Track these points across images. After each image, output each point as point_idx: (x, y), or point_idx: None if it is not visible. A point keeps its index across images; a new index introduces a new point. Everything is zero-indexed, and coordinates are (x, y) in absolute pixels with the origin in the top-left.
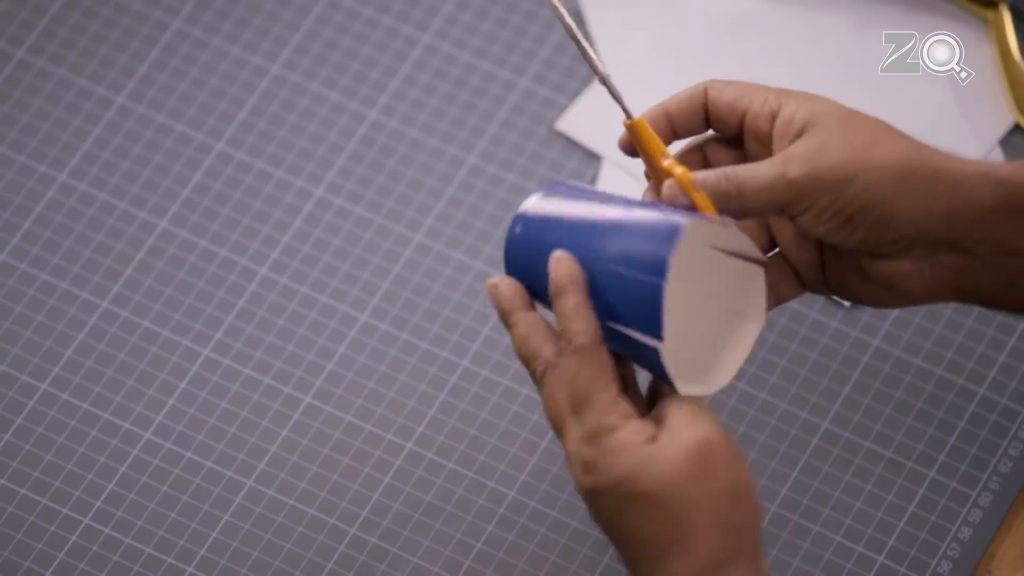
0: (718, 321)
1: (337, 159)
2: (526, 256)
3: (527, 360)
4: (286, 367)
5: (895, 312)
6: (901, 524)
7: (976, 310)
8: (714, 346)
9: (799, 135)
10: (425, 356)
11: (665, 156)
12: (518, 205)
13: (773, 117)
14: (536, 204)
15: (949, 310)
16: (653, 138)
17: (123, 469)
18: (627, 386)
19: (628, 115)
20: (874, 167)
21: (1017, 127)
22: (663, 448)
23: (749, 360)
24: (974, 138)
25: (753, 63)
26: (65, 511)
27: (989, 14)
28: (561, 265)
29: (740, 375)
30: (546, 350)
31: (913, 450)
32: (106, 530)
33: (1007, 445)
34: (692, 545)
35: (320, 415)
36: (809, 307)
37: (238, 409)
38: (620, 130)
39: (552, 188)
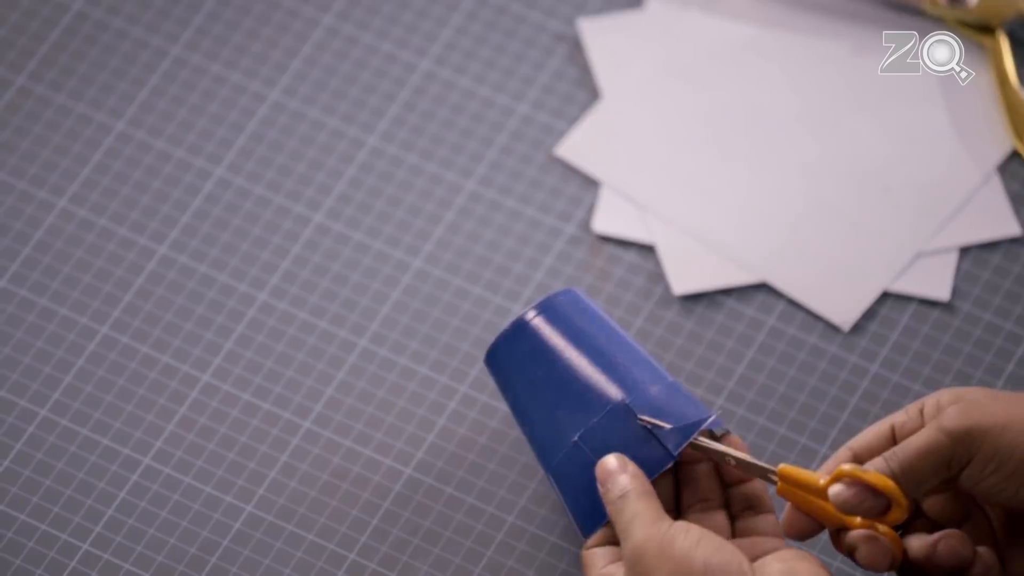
0: None
1: (336, 185)
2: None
3: None
4: (285, 393)
5: (893, 338)
6: None
7: (974, 337)
8: None
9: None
10: (424, 382)
11: (821, 478)
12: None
13: (920, 411)
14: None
15: (947, 336)
16: (804, 474)
17: (122, 495)
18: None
19: (772, 473)
20: None
21: (1015, 153)
22: None
23: (748, 385)
24: (972, 164)
25: (753, 88)
26: (64, 537)
27: (987, 40)
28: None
29: (738, 400)
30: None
31: None
32: (105, 555)
33: None
34: None
35: (319, 441)
36: (807, 333)
37: (237, 435)
38: (618, 155)
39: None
